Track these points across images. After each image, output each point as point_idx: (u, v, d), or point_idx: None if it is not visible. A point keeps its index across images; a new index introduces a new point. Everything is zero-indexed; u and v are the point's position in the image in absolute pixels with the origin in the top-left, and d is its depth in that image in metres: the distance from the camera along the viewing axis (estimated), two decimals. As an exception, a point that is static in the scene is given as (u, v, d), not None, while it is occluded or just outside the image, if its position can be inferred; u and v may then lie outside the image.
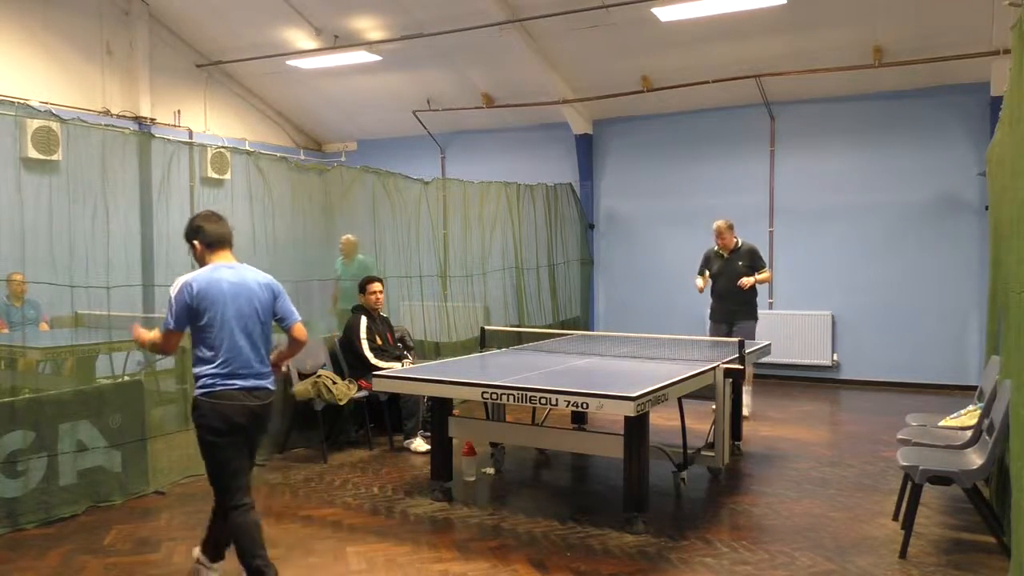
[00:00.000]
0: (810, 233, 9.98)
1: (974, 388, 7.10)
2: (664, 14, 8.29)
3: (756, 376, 8.68)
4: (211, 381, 3.74)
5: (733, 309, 7.66)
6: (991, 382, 4.86)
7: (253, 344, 3.84)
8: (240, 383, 3.78)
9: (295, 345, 4.03)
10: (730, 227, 7.74)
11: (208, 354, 3.76)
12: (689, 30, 8.93)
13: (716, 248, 7.84)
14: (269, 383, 3.90)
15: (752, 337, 7.44)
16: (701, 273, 7.94)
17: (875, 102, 9.60)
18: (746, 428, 6.84)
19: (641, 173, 11.04)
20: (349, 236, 8.38)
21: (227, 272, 3.86)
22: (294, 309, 4.03)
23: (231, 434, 3.74)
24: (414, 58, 10.51)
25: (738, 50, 9.28)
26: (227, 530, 3.85)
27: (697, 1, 7.92)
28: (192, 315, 3.74)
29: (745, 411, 7.66)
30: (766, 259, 8.40)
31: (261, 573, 3.72)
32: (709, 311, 7.94)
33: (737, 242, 7.77)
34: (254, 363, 3.84)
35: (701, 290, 7.86)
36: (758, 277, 7.68)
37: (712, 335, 7.68)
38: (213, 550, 4.03)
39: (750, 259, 7.75)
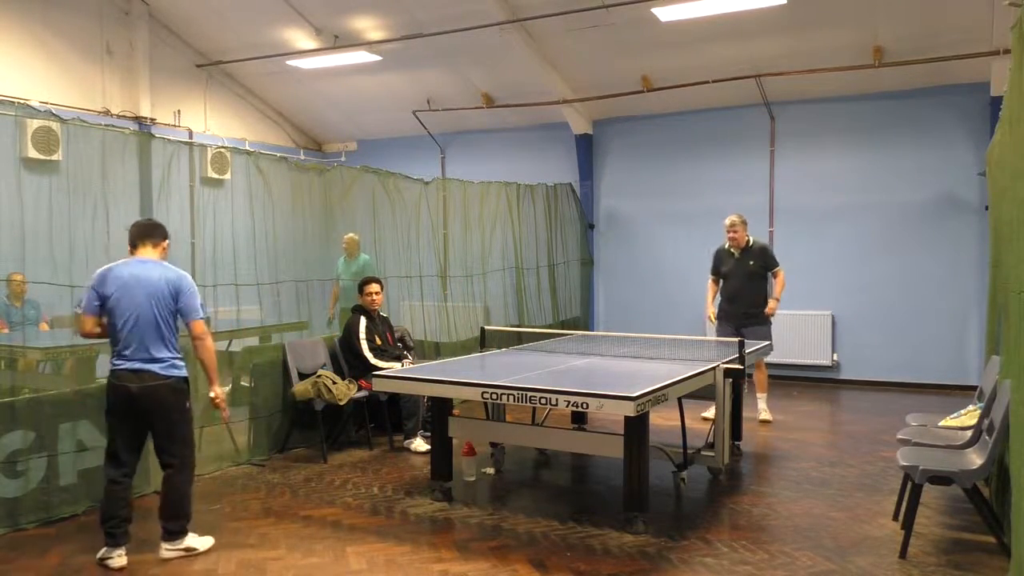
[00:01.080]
0: (810, 233, 9.98)
1: (974, 388, 7.10)
2: (664, 14, 8.29)
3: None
4: (112, 361, 4.30)
5: (745, 312, 7.45)
6: (991, 382, 4.86)
7: (148, 330, 4.26)
8: (127, 365, 4.25)
9: (196, 343, 4.39)
10: (744, 222, 7.56)
11: (113, 337, 4.31)
12: (689, 30, 8.93)
13: (727, 245, 7.66)
14: (159, 368, 4.28)
15: (768, 339, 7.35)
16: (714, 272, 7.78)
17: (875, 102, 9.60)
18: (747, 428, 6.83)
19: (641, 173, 11.04)
20: (352, 235, 8.38)
21: (135, 265, 4.36)
22: (197, 307, 4.43)
23: (115, 412, 4.30)
24: (414, 58, 10.51)
25: (738, 50, 9.28)
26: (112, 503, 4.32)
27: (697, 1, 7.92)
28: (98, 299, 4.29)
29: (765, 416, 7.62)
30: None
31: (112, 536, 4.26)
32: (718, 310, 7.76)
33: (749, 240, 7.60)
34: (147, 348, 4.26)
35: (712, 317, 7.70)
36: (776, 295, 7.53)
37: (719, 335, 7.51)
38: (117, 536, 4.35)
39: (762, 259, 7.56)
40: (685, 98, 10.28)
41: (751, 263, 7.55)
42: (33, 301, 7.45)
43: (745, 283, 7.52)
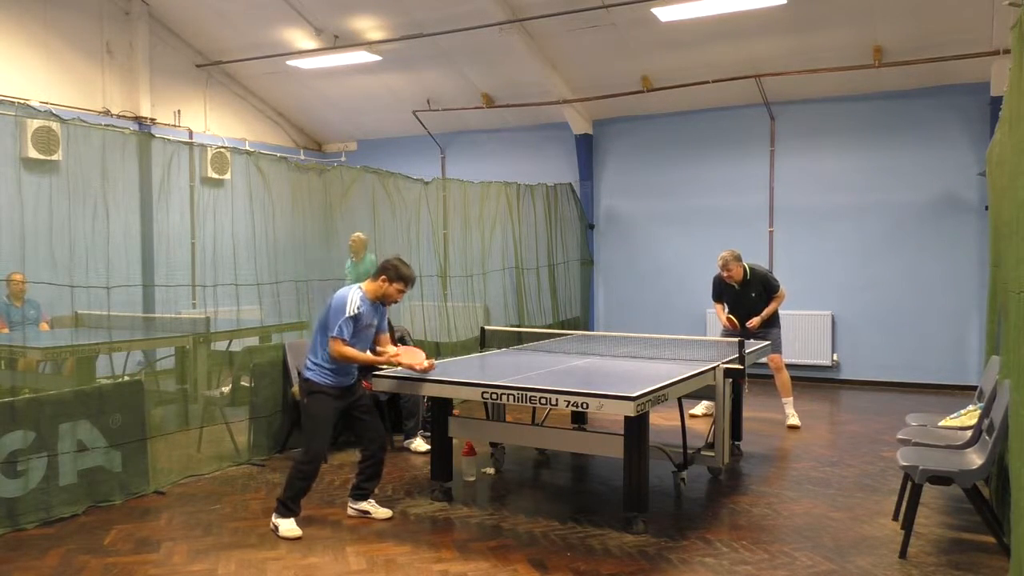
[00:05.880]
0: (810, 233, 9.98)
1: (974, 388, 7.10)
2: (664, 14, 8.29)
3: (758, 377, 8.66)
4: None
5: (756, 333, 7.32)
6: (991, 382, 4.86)
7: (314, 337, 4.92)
8: None
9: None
10: (736, 257, 7.32)
11: None
12: (689, 30, 8.93)
13: (725, 276, 7.43)
14: (304, 368, 4.94)
15: (778, 340, 7.37)
16: (717, 300, 7.61)
17: (875, 102, 9.60)
18: (750, 429, 6.83)
19: (641, 173, 11.04)
20: (359, 234, 8.35)
21: None
22: (331, 325, 4.73)
23: None
24: (414, 58, 10.51)
25: (738, 50, 9.28)
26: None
27: (697, 1, 7.92)
28: None
29: (793, 421, 7.48)
30: (768, 264, 8.08)
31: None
32: (723, 332, 7.55)
33: (745, 272, 7.37)
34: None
35: (727, 323, 7.43)
36: (767, 312, 7.33)
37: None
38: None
39: (763, 288, 7.38)
40: (685, 98, 10.28)
41: (753, 295, 7.40)
42: (33, 301, 7.46)
43: (751, 311, 7.38)
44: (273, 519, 4.76)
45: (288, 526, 4.69)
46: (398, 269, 4.84)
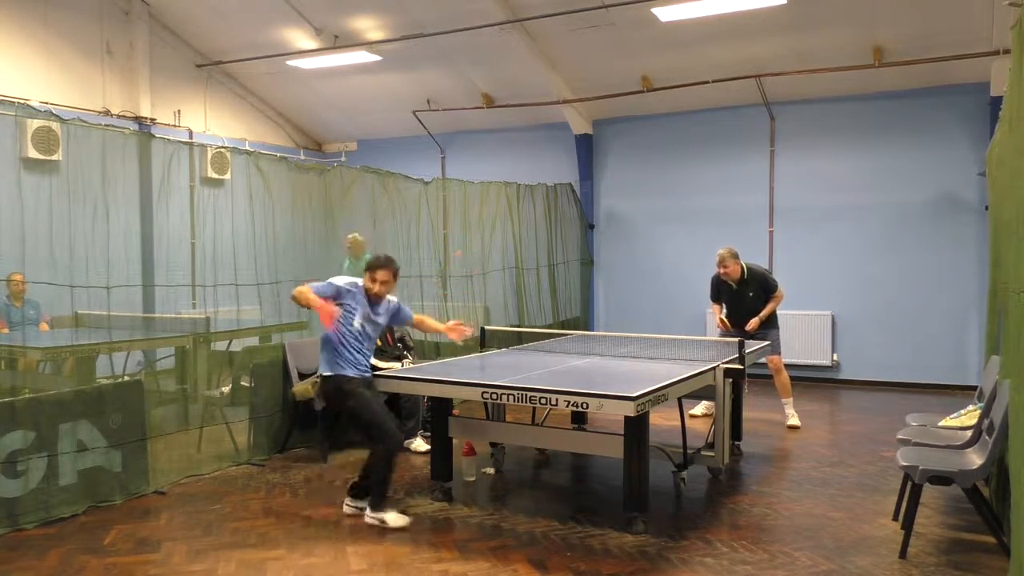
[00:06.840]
0: (810, 233, 9.98)
1: (974, 388, 7.10)
2: (664, 14, 8.29)
3: (759, 377, 8.66)
4: None
5: (755, 334, 7.29)
6: (991, 382, 4.86)
7: None
8: None
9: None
10: (734, 255, 7.28)
11: None
12: (689, 30, 8.93)
13: (722, 275, 7.41)
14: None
15: (777, 341, 7.36)
16: (715, 299, 7.58)
17: (875, 102, 9.60)
18: (749, 428, 6.83)
19: (641, 173, 11.04)
20: (356, 235, 8.35)
21: None
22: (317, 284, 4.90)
23: None
24: (414, 58, 10.51)
25: (738, 50, 9.28)
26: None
27: (697, 1, 7.92)
28: None
29: (793, 421, 7.48)
30: (768, 264, 8.06)
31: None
32: (720, 334, 7.53)
33: (743, 271, 7.33)
34: None
35: (720, 324, 7.45)
36: (765, 312, 7.30)
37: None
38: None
39: (762, 287, 7.34)
40: (685, 98, 10.28)
41: (751, 294, 7.36)
42: (33, 301, 7.46)
43: (748, 311, 7.35)
44: (371, 514, 4.86)
45: (394, 516, 4.82)
46: (369, 261, 5.11)
